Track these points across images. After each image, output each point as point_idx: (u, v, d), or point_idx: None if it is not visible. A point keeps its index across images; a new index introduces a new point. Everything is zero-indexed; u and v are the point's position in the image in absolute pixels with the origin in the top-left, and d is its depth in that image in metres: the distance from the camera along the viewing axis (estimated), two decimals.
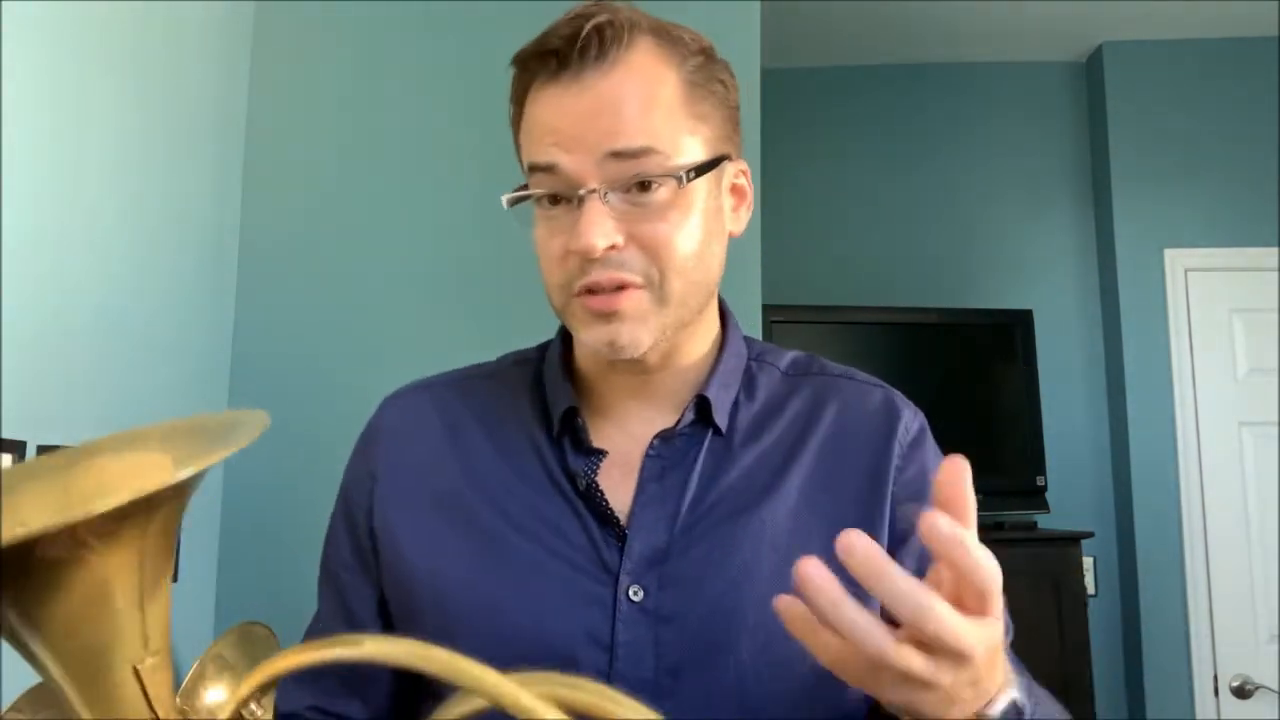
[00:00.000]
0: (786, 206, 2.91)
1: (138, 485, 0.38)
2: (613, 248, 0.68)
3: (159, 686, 0.46)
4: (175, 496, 0.43)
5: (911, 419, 0.80)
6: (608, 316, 0.69)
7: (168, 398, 1.70)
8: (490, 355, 2.14)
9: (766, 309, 2.09)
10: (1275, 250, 2.99)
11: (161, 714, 0.46)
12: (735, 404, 0.78)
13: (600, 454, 0.76)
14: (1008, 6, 2.97)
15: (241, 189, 1.98)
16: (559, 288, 0.72)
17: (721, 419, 0.76)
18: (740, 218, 0.78)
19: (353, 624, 0.80)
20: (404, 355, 1.90)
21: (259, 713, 0.46)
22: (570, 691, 0.43)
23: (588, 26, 0.68)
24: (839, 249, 3.06)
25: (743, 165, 0.77)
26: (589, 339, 0.71)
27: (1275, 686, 2.75)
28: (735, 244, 0.78)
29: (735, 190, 0.77)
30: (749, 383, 0.80)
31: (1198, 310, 3.01)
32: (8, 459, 1.32)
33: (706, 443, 0.76)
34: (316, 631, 0.83)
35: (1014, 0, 2.93)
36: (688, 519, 0.73)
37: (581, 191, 0.68)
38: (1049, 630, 2.43)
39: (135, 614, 0.44)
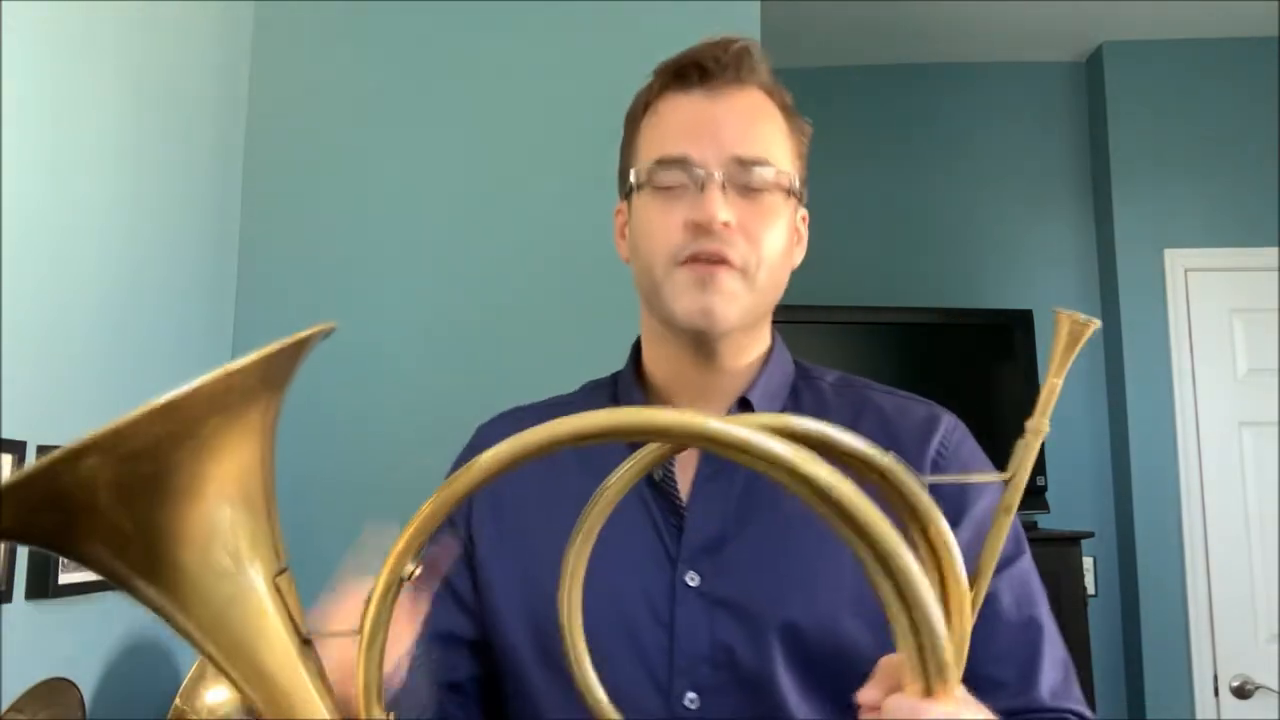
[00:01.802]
0: None
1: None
2: (726, 225, 0.77)
3: (294, 602, 0.47)
4: (257, 388, 0.46)
5: (952, 426, 0.86)
6: (706, 284, 0.78)
7: None
8: (490, 350, 2.14)
9: None
10: (1275, 250, 2.99)
11: (301, 628, 0.46)
12: (783, 407, 0.85)
13: (672, 458, 0.81)
14: (1008, 6, 2.97)
15: (241, 188, 1.98)
16: (666, 257, 0.80)
17: None
18: (798, 254, 0.89)
19: (458, 598, 0.86)
20: (404, 355, 1.90)
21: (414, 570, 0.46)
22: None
23: (733, 49, 0.83)
24: (839, 249, 3.06)
25: (805, 213, 0.89)
26: (685, 307, 0.79)
27: (1275, 686, 2.75)
28: None
29: (798, 231, 0.88)
30: (795, 395, 0.87)
31: (1198, 310, 3.01)
32: (8, 459, 1.32)
33: None
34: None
35: (1014, 0, 2.93)
36: (739, 512, 0.80)
37: (703, 174, 0.78)
38: None
39: (266, 522, 0.45)
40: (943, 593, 0.52)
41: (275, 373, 0.47)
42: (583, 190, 1.95)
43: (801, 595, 0.77)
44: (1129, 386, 2.99)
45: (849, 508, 0.45)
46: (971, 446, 0.86)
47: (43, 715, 1.21)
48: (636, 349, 0.92)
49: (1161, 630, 2.85)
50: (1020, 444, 0.56)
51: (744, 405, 0.83)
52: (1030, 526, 2.67)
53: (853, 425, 0.80)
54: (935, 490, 0.75)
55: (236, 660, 0.45)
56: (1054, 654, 0.79)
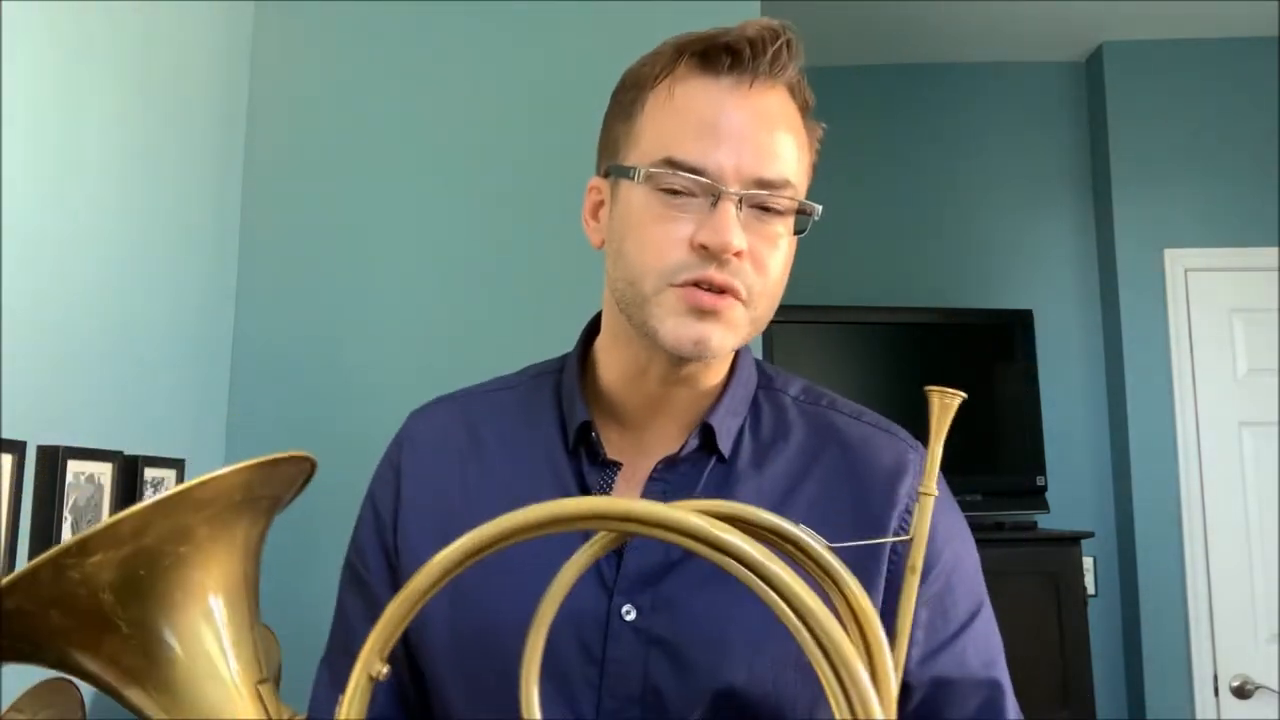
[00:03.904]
0: None
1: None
2: (738, 254, 0.70)
3: (275, 708, 0.51)
4: (241, 505, 0.48)
5: (920, 467, 0.77)
6: (705, 315, 0.71)
7: (168, 397, 1.70)
8: (488, 352, 2.14)
9: None
10: (1275, 250, 2.99)
11: None
12: (741, 431, 0.79)
13: (615, 466, 0.77)
14: (1008, 6, 2.97)
15: (241, 189, 1.98)
16: (660, 273, 0.71)
17: (725, 445, 0.77)
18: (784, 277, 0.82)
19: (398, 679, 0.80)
20: (405, 355, 1.90)
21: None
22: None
23: (780, 39, 0.73)
24: (839, 249, 3.06)
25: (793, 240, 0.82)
26: (674, 332, 0.71)
27: (1275, 686, 2.75)
28: None
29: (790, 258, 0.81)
30: (756, 410, 0.81)
31: (1198, 310, 3.01)
32: (8, 459, 1.32)
33: (709, 469, 0.77)
34: (341, 633, 0.83)
35: (1014, 0, 2.93)
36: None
37: (721, 190, 0.70)
38: (1049, 630, 2.43)
39: (249, 634, 0.48)
40: (867, 654, 0.54)
41: (258, 491, 0.49)
42: (583, 190, 1.95)
43: (744, 648, 0.71)
44: (1129, 386, 2.99)
45: (775, 581, 0.49)
46: (942, 489, 0.77)
47: (43, 715, 1.21)
48: (588, 336, 0.83)
49: (1161, 630, 2.85)
50: (917, 507, 0.62)
51: (705, 431, 0.76)
52: (1030, 526, 2.67)
53: (815, 451, 0.78)
54: (891, 566, 0.75)
55: None
56: (1014, 713, 0.77)
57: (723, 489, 0.76)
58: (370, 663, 0.48)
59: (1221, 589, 2.85)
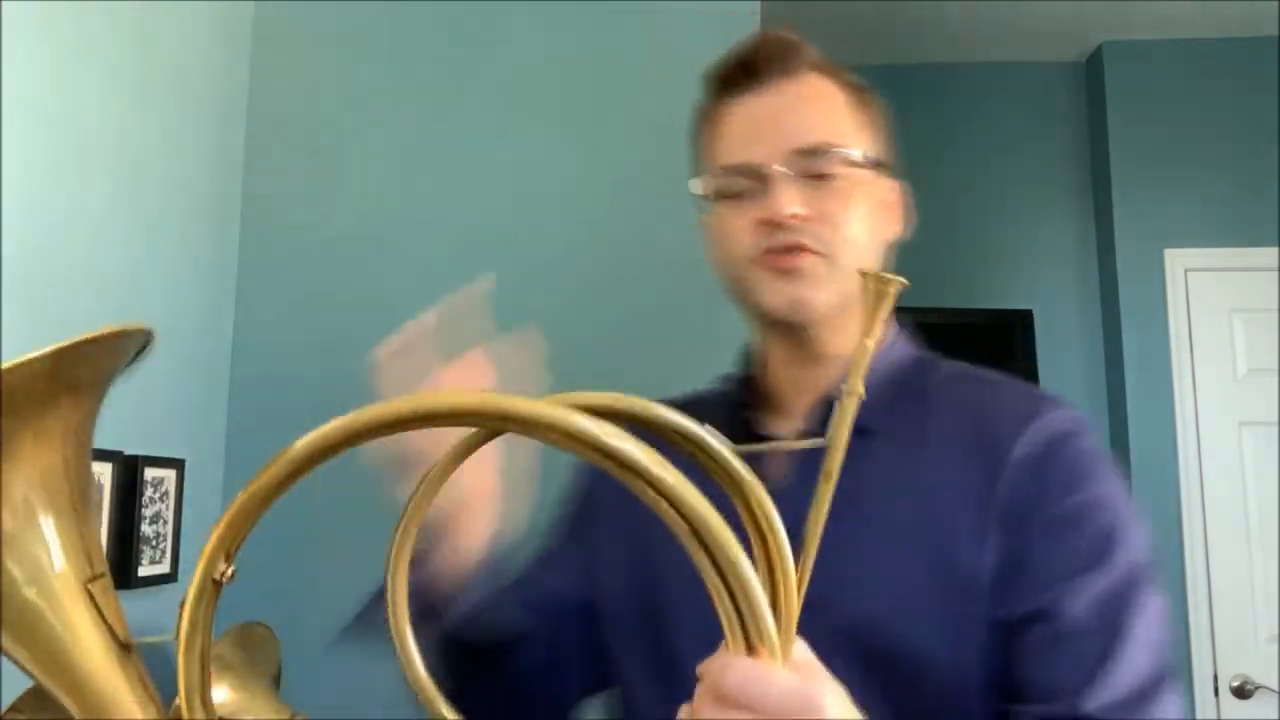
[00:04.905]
0: None
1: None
2: (796, 216, 0.77)
3: (112, 607, 0.45)
4: (50, 391, 0.44)
5: (1058, 419, 0.79)
6: (787, 274, 0.78)
7: (168, 397, 1.70)
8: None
9: None
10: (1275, 250, 2.99)
11: (120, 634, 0.45)
12: (883, 406, 0.80)
13: (767, 439, 0.83)
14: (1008, 6, 2.97)
15: (241, 189, 1.98)
16: (741, 258, 0.80)
17: (863, 419, 0.80)
18: (891, 228, 0.88)
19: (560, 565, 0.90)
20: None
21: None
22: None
23: (773, 41, 0.83)
24: None
25: (895, 184, 0.88)
26: (770, 300, 0.79)
27: (1275, 686, 2.75)
28: None
29: (888, 204, 0.87)
30: (904, 388, 0.84)
31: (1198, 310, 3.01)
32: None
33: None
34: (541, 559, 0.92)
35: (1014, 0, 2.93)
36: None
37: (768, 171, 0.78)
38: None
39: (76, 528, 0.44)
40: (766, 561, 0.50)
41: (69, 374, 0.45)
42: (584, 188, 1.95)
43: (871, 595, 0.74)
44: (1129, 387, 2.99)
45: (651, 477, 0.44)
46: (1077, 445, 0.78)
47: (43, 715, 1.21)
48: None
49: None
50: (837, 406, 0.56)
51: (830, 405, 0.80)
52: None
53: (954, 418, 0.80)
54: (1038, 486, 0.75)
55: (53, 669, 0.44)
56: (1125, 671, 0.71)
57: (859, 460, 0.77)
58: (214, 563, 0.44)
59: (1221, 589, 2.85)
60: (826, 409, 0.79)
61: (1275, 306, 2.95)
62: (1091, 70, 3.25)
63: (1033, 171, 3.22)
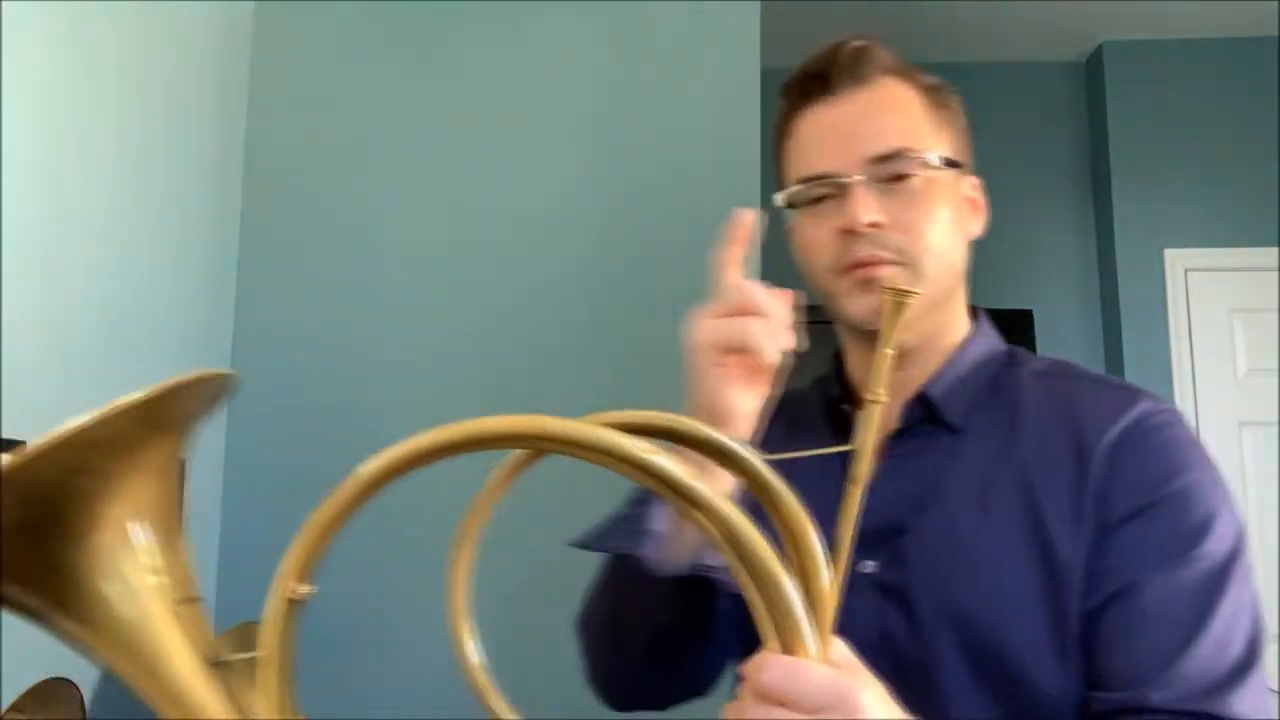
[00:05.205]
0: None
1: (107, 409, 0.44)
2: (875, 225, 0.78)
3: (200, 628, 0.49)
4: (147, 432, 0.47)
5: (1149, 411, 0.78)
6: (870, 285, 0.79)
7: None
8: (488, 351, 2.13)
9: None
10: (1275, 250, 2.99)
11: (207, 652, 0.49)
12: (975, 404, 0.83)
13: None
14: (1008, 6, 2.97)
15: (241, 189, 1.98)
16: (827, 270, 0.82)
17: (953, 416, 0.82)
18: (974, 225, 0.90)
19: None
20: (405, 354, 1.90)
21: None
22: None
23: (845, 50, 0.84)
24: None
25: (975, 180, 0.89)
26: (857, 310, 0.81)
27: (1275, 686, 2.75)
28: None
29: (970, 201, 0.89)
30: (995, 386, 0.85)
31: (1198, 310, 3.01)
32: (8, 460, 1.32)
33: (939, 436, 0.82)
34: None
35: (1014, 0, 2.93)
36: (917, 501, 0.80)
37: (846, 180, 0.79)
38: None
39: (168, 556, 0.49)
40: (799, 565, 0.51)
41: (159, 417, 0.48)
42: (585, 190, 1.95)
43: (971, 587, 0.76)
44: None
45: (684, 489, 0.47)
46: (1169, 435, 0.77)
47: (43, 715, 1.21)
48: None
49: None
50: (861, 415, 0.58)
51: (922, 401, 0.82)
52: None
53: (1045, 415, 0.81)
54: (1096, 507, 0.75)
55: (151, 683, 0.48)
56: (1199, 664, 0.70)
57: (951, 457, 0.81)
58: (287, 583, 0.46)
59: None
60: (918, 407, 0.82)
61: (1275, 306, 2.95)
62: (1091, 70, 3.25)
63: (1033, 171, 3.22)
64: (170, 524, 0.50)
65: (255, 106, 2.00)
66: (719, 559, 0.72)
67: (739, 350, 0.70)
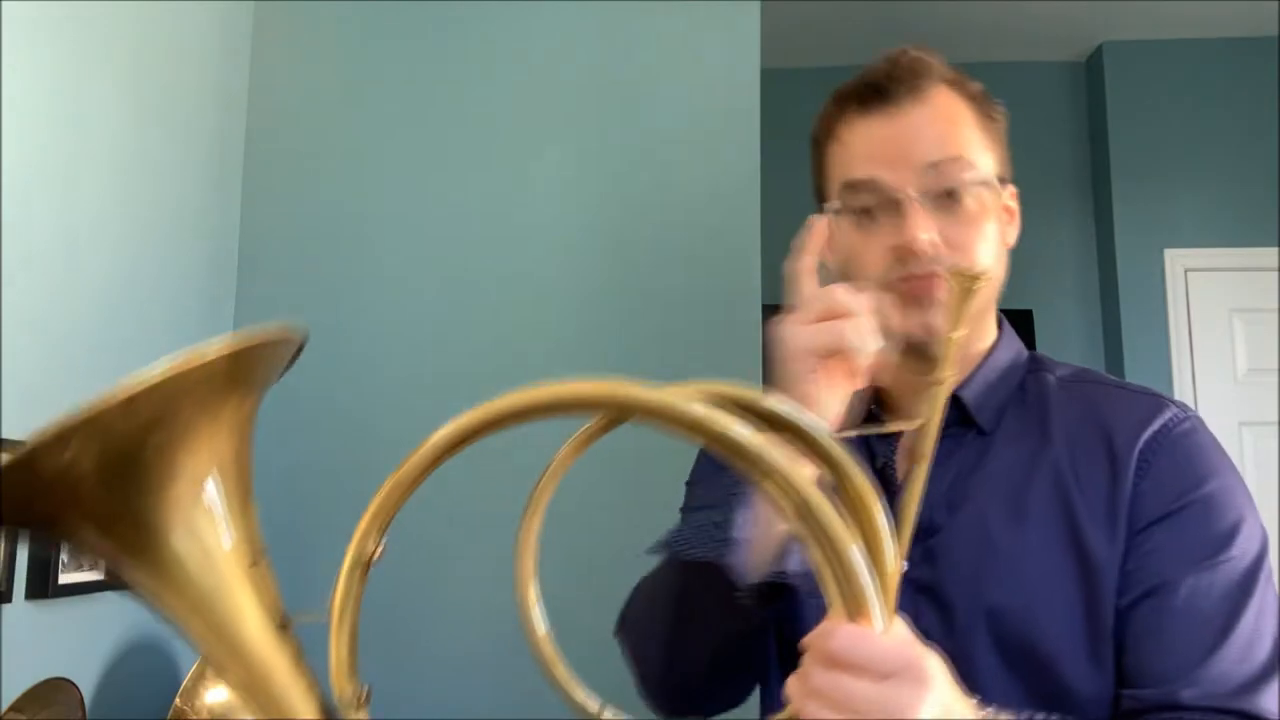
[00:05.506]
0: (787, 206, 2.90)
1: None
2: (933, 244, 0.79)
3: (270, 589, 0.50)
4: (226, 385, 0.47)
5: (1178, 417, 0.81)
6: (922, 300, 0.79)
7: None
8: (488, 349, 2.13)
9: (766, 309, 2.09)
10: (1275, 250, 2.99)
11: (277, 614, 0.49)
12: (1004, 408, 0.85)
13: (896, 436, 0.86)
14: (1008, 6, 2.97)
15: (241, 189, 1.98)
16: (871, 281, 0.81)
17: (984, 419, 0.84)
18: (1011, 233, 0.90)
19: None
20: (405, 353, 1.90)
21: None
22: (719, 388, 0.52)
23: (904, 62, 0.84)
24: None
25: (1013, 189, 0.90)
26: (904, 324, 0.80)
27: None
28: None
29: (1008, 211, 0.89)
30: (1022, 391, 0.87)
31: (1198, 310, 3.01)
32: (8, 460, 1.32)
33: (969, 439, 0.84)
34: None
35: (1014, 0, 2.93)
36: (950, 499, 0.82)
37: (902, 196, 0.80)
38: None
39: (242, 515, 0.49)
40: (864, 536, 0.52)
41: (242, 373, 0.48)
42: (585, 187, 1.95)
43: (1006, 585, 0.77)
44: None
45: (761, 459, 0.47)
46: (1197, 441, 0.80)
47: (43, 715, 1.21)
48: None
49: None
50: (929, 394, 0.61)
51: (955, 403, 0.83)
52: None
53: (1072, 419, 0.83)
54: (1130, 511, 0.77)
55: (218, 642, 0.48)
56: (1228, 664, 0.72)
57: (981, 459, 0.83)
58: (365, 543, 0.47)
59: None
60: (950, 410, 0.82)
61: (1275, 306, 2.95)
62: (1091, 70, 3.25)
63: (1033, 171, 3.20)
64: (244, 482, 0.50)
65: (255, 106, 2.00)
66: (797, 565, 0.72)
67: (836, 353, 0.71)
